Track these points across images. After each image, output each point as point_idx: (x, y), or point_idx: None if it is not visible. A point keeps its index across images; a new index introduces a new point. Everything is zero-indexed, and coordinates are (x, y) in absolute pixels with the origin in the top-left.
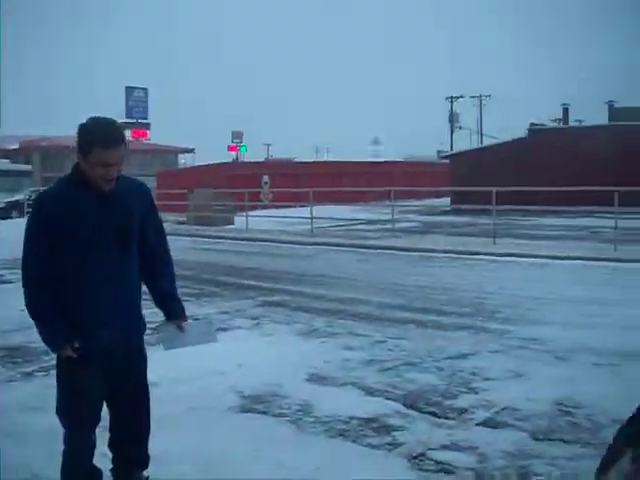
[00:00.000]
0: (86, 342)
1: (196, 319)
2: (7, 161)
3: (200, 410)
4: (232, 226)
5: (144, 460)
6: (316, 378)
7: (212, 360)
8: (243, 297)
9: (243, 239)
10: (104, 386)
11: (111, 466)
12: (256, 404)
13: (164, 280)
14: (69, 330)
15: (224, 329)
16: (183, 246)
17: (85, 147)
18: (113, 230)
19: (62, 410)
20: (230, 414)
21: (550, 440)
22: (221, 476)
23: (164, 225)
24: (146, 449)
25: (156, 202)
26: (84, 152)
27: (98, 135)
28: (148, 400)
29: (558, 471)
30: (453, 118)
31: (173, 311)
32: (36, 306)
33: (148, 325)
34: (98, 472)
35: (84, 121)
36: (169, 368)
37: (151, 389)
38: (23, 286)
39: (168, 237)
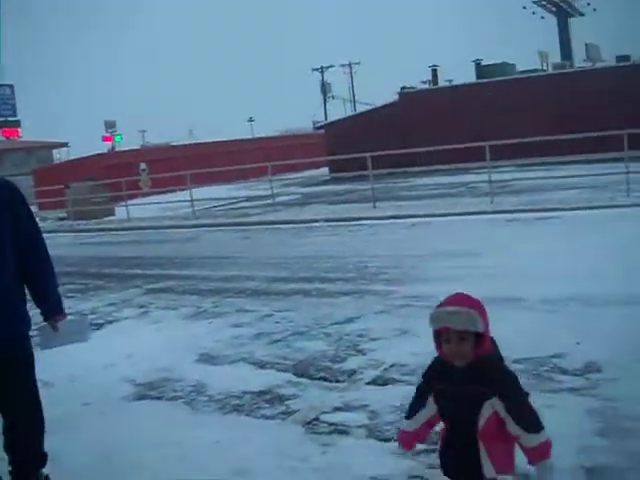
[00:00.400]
0: None
1: (71, 317)
2: None
3: (95, 404)
4: (113, 217)
5: (41, 458)
6: (207, 358)
7: (102, 353)
8: (129, 287)
9: (125, 229)
10: None
11: (9, 468)
12: (150, 390)
13: (39, 279)
14: None
15: (111, 321)
16: (65, 242)
17: None
18: None
19: None
20: (125, 403)
21: None
22: (122, 464)
23: (44, 223)
24: (42, 447)
25: (34, 200)
26: None
27: None
28: (37, 399)
29: None
30: (325, 88)
31: (47, 311)
32: None
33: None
34: None
35: None
36: (61, 367)
37: (46, 389)
38: None
39: (49, 235)
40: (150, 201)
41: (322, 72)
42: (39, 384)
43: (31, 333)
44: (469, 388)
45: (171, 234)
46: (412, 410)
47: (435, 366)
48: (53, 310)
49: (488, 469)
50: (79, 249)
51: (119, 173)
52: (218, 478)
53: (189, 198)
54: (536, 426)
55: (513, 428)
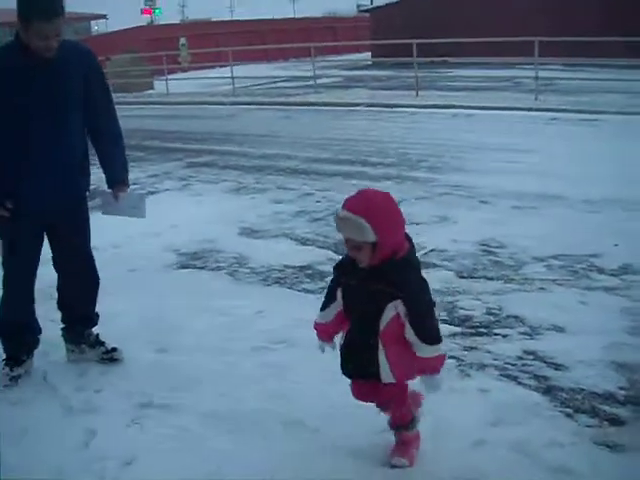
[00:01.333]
0: (21, 203)
1: (132, 191)
2: None
3: (140, 271)
4: (152, 91)
5: (92, 318)
6: (249, 232)
7: (146, 223)
8: (170, 160)
9: (165, 103)
10: (37, 242)
11: (62, 326)
12: (193, 260)
13: (107, 145)
14: (2, 191)
15: (153, 192)
16: None
17: (25, 20)
18: (51, 95)
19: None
20: (169, 271)
21: (475, 278)
22: (166, 328)
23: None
24: (94, 307)
25: None
26: (24, 24)
27: (37, 8)
28: (92, 260)
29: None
30: None
31: (110, 178)
32: None
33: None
34: (36, 327)
35: None
36: (106, 233)
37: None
38: None
39: None
40: (189, 76)
41: None
42: None
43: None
44: (373, 287)
45: (211, 110)
46: (324, 304)
47: (346, 261)
48: (117, 179)
49: (386, 374)
50: (120, 121)
51: (158, 47)
52: (260, 344)
53: (229, 75)
54: (433, 338)
55: (409, 334)
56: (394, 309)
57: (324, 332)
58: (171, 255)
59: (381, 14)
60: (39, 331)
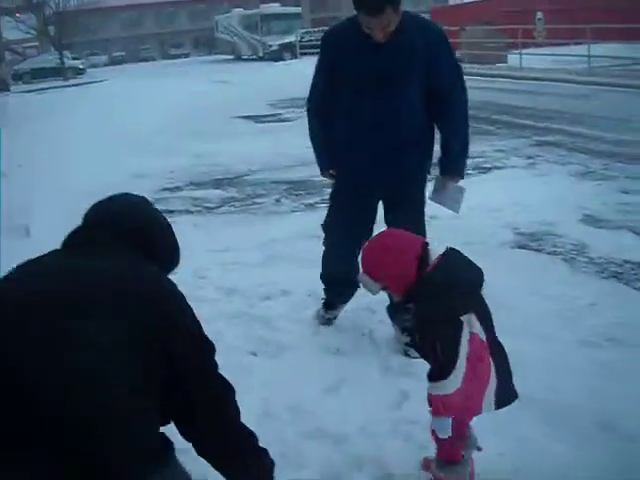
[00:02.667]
0: (346, 171)
1: (460, 185)
2: (277, 5)
3: (476, 245)
4: (505, 64)
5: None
6: (591, 220)
7: (487, 197)
8: (518, 136)
9: (517, 78)
10: (364, 211)
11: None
12: (530, 241)
13: (445, 129)
14: (329, 158)
15: (499, 167)
16: None
17: (355, 8)
18: (387, 71)
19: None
20: (505, 249)
21: None
22: (494, 303)
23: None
24: None
25: None
26: (357, 14)
27: (362, 3)
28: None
29: None
30: None
31: (445, 166)
32: (310, 131)
33: None
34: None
35: None
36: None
37: (430, 222)
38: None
39: None
40: (543, 52)
41: None
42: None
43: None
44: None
45: (564, 88)
46: None
47: None
48: (445, 166)
49: None
50: (471, 93)
51: (514, 20)
52: (585, 338)
53: (586, 53)
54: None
55: None
56: None
57: None
58: (509, 232)
59: None
60: (357, 286)
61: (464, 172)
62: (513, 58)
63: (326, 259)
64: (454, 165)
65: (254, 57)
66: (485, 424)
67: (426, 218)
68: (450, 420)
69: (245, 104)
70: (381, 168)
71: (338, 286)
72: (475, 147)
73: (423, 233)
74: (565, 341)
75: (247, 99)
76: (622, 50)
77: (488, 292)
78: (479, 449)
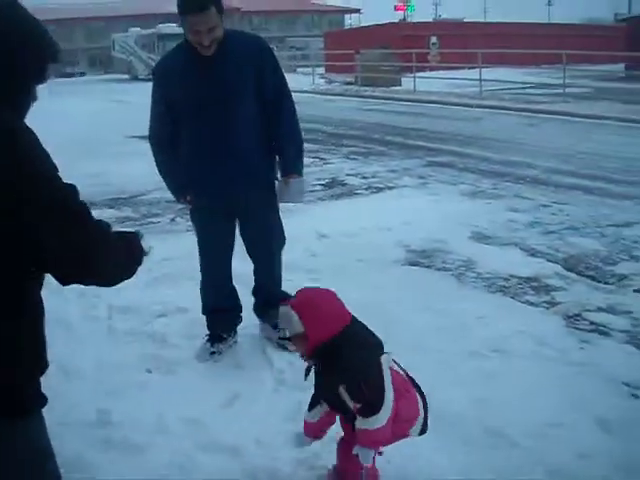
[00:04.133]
0: (199, 194)
1: (301, 178)
2: (175, 25)
3: (368, 262)
4: (399, 87)
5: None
6: (480, 237)
7: (379, 216)
8: (410, 157)
9: (410, 100)
10: (226, 227)
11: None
12: (421, 258)
13: (279, 135)
14: (182, 184)
15: (391, 187)
16: (350, 107)
17: (180, 17)
18: (219, 89)
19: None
20: (397, 266)
21: None
22: (385, 319)
23: (330, 86)
24: (280, 289)
25: (324, 62)
26: (181, 22)
27: (185, 4)
28: (275, 244)
29: None
30: None
31: (285, 169)
32: (157, 165)
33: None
34: (237, 306)
35: None
36: (338, 222)
37: (321, 240)
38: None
39: (337, 98)
40: (436, 76)
41: None
42: (316, 235)
43: None
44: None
45: (456, 111)
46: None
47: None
48: (283, 168)
49: None
50: (364, 114)
51: (410, 44)
52: (474, 349)
53: (477, 77)
54: (369, 408)
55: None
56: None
57: (314, 431)
58: (401, 250)
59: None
60: (240, 309)
61: (302, 170)
62: (408, 81)
63: (204, 290)
64: (293, 166)
65: (150, 77)
66: None
67: (317, 237)
68: (372, 452)
69: (140, 124)
70: (231, 187)
71: (222, 314)
72: (368, 168)
73: (280, 241)
74: (453, 353)
75: (142, 119)
76: (512, 75)
77: (381, 308)
78: (380, 453)
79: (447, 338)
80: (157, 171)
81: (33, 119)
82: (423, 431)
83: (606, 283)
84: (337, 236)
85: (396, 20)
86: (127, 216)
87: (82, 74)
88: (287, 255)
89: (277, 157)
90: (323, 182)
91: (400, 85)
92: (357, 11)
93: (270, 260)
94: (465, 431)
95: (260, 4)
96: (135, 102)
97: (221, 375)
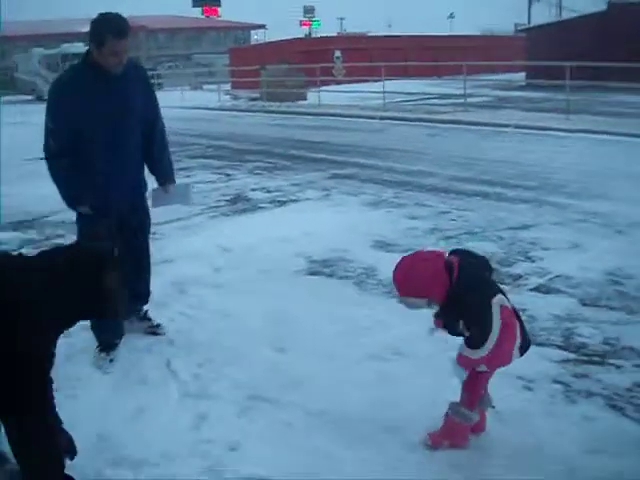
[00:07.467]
0: (97, 201)
1: (178, 183)
2: (81, 44)
3: (270, 273)
4: (305, 102)
5: (144, 296)
6: (381, 245)
7: (281, 228)
8: (314, 170)
9: (316, 114)
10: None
11: None
12: (323, 267)
13: (155, 148)
14: (78, 193)
15: (294, 200)
16: (257, 122)
17: (99, 39)
18: (119, 106)
19: None
20: (298, 276)
21: (597, 306)
22: (292, 327)
23: (237, 102)
24: (147, 287)
25: (229, 79)
26: (97, 44)
27: (110, 27)
28: (147, 247)
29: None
30: None
31: (160, 176)
32: (53, 173)
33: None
34: None
35: (95, 17)
36: (242, 236)
37: (224, 254)
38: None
39: (243, 114)
40: (342, 89)
41: None
42: (220, 250)
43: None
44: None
45: (360, 123)
46: None
47: None
48: (165, 176)
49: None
50: (269, 130)
51: (314, 59)
52: (374, 352)
53: (381, 90)
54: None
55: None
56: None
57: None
58: (302, 260)
59: (538, 34)
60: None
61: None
62: (313, 96)
63: None
64: (170, 174)
65: None
66: (277, 441)
67: (221, 251)
68: (465, 372)
69: (42, 145)
70: (124, 192)
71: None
72: (272, 182)
73: (148, 245)
74: (352, 357)
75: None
76: (415, 87)
77: (282, 317)
78: (493, 407)
79: (348, 342)
80: (54, 183)
81: None
82: (524, 352)
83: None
84: (240, 250)
85: (302, 35)
86: (31, 238)
87: None
88: (192, 270)
89: (155, 169)
90: (228, 198)
91: (306, 99)
92: (262, 27)
93: (146, 255)
94: (363, 430)
95: (166, 22)
96: (37, 123)
97: (126, 390)
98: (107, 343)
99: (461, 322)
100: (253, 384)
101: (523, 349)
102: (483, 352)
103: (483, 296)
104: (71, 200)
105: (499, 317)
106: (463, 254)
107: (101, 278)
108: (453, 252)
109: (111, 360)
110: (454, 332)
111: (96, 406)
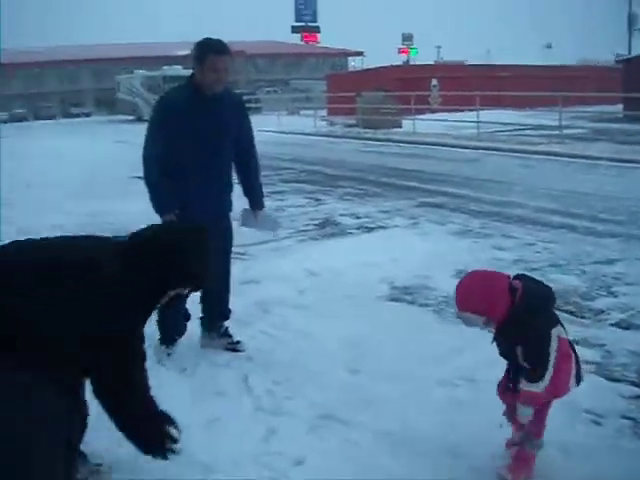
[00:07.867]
0: (182, 212)
1: (268, 212)
2: (180, 67)
3: (353, 297)
4: (400, 129)
5: (225, 313)
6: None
7: (368, 254)
8: (404, 197)
9: (410, 142)
10: None
11: (201, 315)
12: (404, 294)
13: (251, 174)
14: (170, 200)
15: (382, 227)
16: (351, 148)
17: (201, 56)
18: (215, 126)
19: None
20: (380, 302)
21: None
22: (365, 351)
23: (333, 128)
24: (227, 305)
25: (326, 105)
26: (199, 61)
27: (211, 45)
28: (229, 267)
29: None
30: (631, 19)
31: (253, 200)
32: (147, 178)
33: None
34: (187, 314)
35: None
36: (328, 260)
37: (311, 277)
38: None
39: (336, 140)
40: (437, 118)
41: (630, 1)
42: (306, 273)
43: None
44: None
45: (453, 153)
46: None
47: None
48: (254, 202)
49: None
50: (363, 156)
51: (410, 87)
52: (446, 377)
53: (475, 119)
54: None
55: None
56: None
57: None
58: (385, 287)
59: (636, 65)
60: (188, 317)
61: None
62: (408, 123)
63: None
64: (260, 199)
65: None
66: (342, 458)
67: (307, 274)
68: (532, 410)
69: (141, 165)
70: (209, 206)
71: (174, 321)
72: (361, 208)
73: (229, 264)
74: (424, 381)
75: None
76: (510, 117)
77: (360, 341)
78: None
79: (422, 367)
80: (146, 185)
81: (42, 159)
82: (578, 382)
83: (583, 317)
84: (326, 273)
85: (399, 63)
86: None
87: (87, 115)
88: (277, 291)
89: (248, 192)
90: (316, 222)
91: (400, 127)
92: (360, 54)
93: (226, 274)
94: (429, 452)
95: (265, 47)
96: (138, 143)
97: (203, 400)
98: (168, 338)
99: (519, 349)
100: (325, 404)
101: (578, 379)
102: (545, 382)
103: (544, 323)
104: (160, 204)
105: (556, 349)
106: (528, 279)
107: (205, 245)
108: (518, 276)
109: (169, 354)
110: (509, 359)
111: (174, 411)
